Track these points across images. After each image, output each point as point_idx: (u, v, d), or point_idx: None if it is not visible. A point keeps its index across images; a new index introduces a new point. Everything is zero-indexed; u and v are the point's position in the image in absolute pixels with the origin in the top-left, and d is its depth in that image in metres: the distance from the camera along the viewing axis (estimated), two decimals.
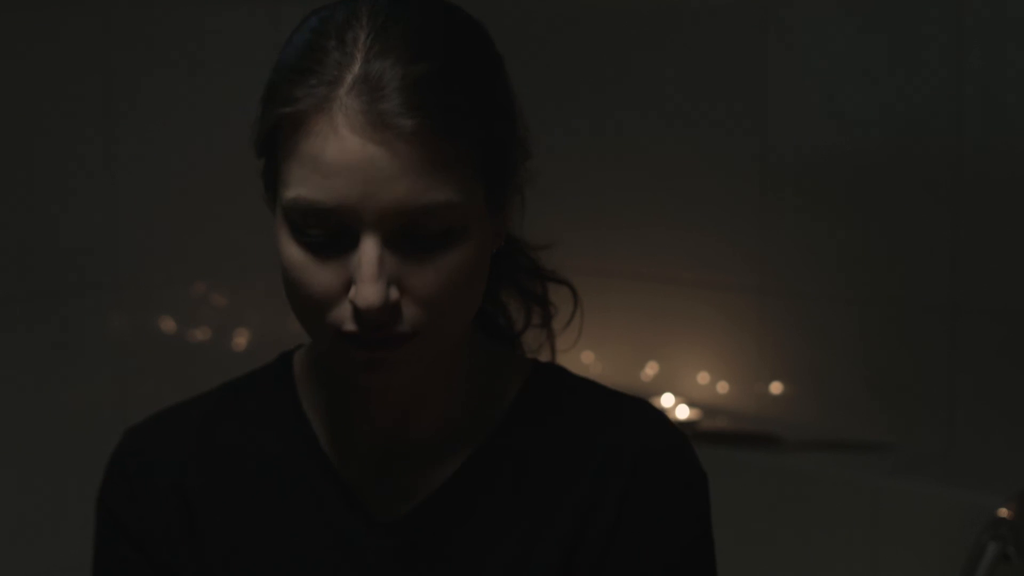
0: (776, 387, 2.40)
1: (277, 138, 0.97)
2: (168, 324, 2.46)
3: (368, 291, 0.93)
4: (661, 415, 1.11)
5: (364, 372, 0.98)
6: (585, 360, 2.57)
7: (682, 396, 2.47)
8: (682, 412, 2.41)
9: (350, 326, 0.95)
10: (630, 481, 1.06)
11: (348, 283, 0.95)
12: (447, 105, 0.94)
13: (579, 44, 2.54)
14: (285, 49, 1.01)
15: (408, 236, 0.95)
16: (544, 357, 1.19)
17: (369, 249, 0.94)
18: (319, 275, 0.96)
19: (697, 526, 1.07)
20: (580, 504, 1.06)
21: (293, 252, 0.97)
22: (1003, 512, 1.68)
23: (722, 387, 2.46)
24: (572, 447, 1.07)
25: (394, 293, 0.94)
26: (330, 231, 0.95)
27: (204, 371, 2.50)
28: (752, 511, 2.23)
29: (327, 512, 1.06)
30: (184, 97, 2.44)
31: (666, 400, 2.45)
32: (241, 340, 2.54)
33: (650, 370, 2.55)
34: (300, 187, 0.95)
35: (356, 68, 0.94)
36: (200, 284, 2.49)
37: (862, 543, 2.12)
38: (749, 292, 2.40)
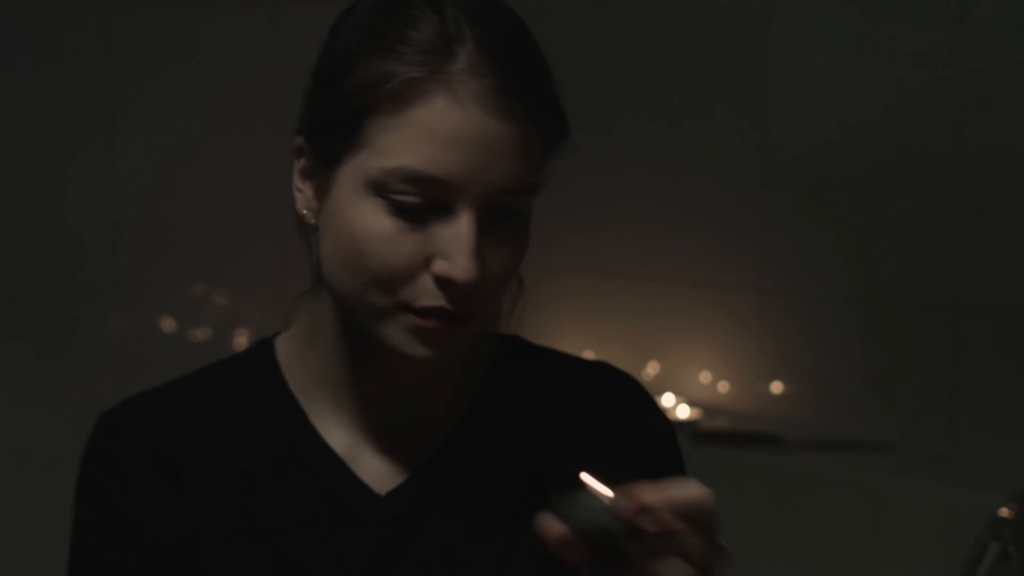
0: (776, 387, 2.40)
1: (365, 105, 0.96)
2: (168, 324, 2.46)
3: (469, 264, 0.95)
4: (625, 373, 1.17)
5: (425, 346, 0.99)
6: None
7: (683, 396, 2.47)
8: (683, 412, 2.41)
9: (429, 300, 0.97)
10: (616, 437, 1.11)
11: (428, 257, 0.96)
12: (547, 89, 1.00)
13: (579, 43, 2.54)
14: (353, 21, 1.01)
15: (497, 215, 0.98)
16: None
17: (471, 223, 0.96)
18: (402, 246, 0.96)
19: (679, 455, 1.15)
20: (572, 460, 1.06)
21: (377, 221, 0.96)
22: (1004, 512, 1.68)
23: (723, 387, 2.46)
24: (555, 409, 1.11)
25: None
26: (425, 201, 0.96)
27: None
28: (752, 511, 2.23)
29: (323, 486, 1.06)
30: (185, 98, 2.44)
31: (667, 400, 2.45)
32: (241, 340, 2.54)
33: (651, 370, 2.55)
34: (406, 156, 0.95)
35: (468, 41, 0.96)
36: (200, 284, 2.49)
37: (862, 543, 2.12)
38: (749, 292, 2.40)
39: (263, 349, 1.12)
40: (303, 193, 1.04)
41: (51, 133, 2.30)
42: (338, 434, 1.08)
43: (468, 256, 0.96)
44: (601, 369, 1.17)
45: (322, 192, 1.01)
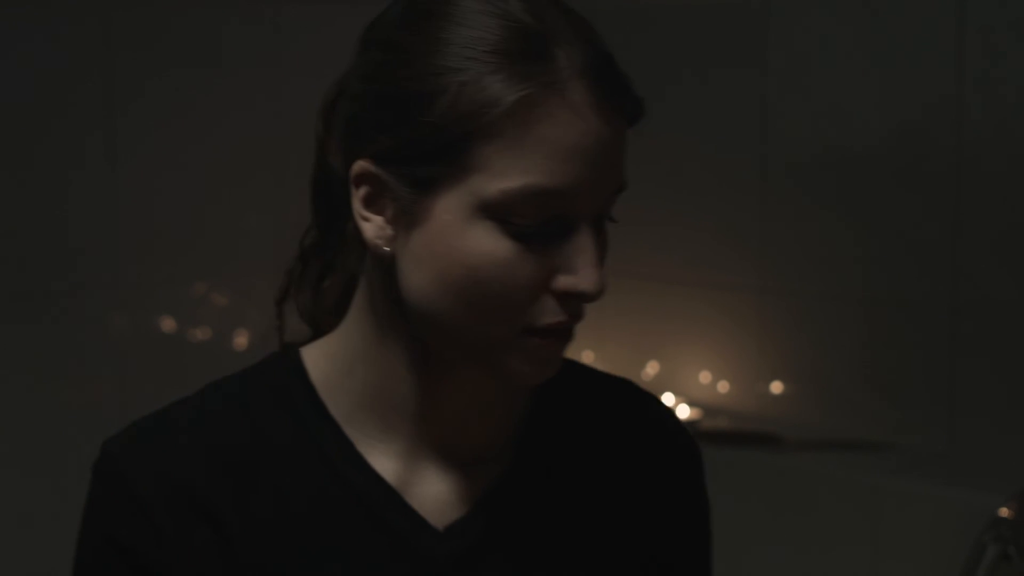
0: (776, 387, 2.40)
1: (473, 128, 0.91)
2: (168, 324, 2.45)
3: (597, 274, 0.93)
4: (651, 395, 1.14)
5: (544, 369, 0.96)
6: (586, 360, 2.57)
7: (683, 396, 2.47)
8: (683, 412, 2.41)
9: (551, 318, 0.94)
10: (660, 492, 1.09)
11: (550, 274, 0.93)
12: (629, 79, 0.97)
13: None
14: (428, 35, 0.93)
15: (599, 221, 0.96)
16: None
17: (591, 233, 0.94)
18: (525, 268, 0.92)
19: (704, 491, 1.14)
20: (623, 488, 1.07)
21: (496, 246, 0.91)
22: (1004, 512, 1.68)
23: (723, 387, 2.46)
24: (598, 436, 1.08)
25: None
26: (545, 218, 0.92)
27: (204, 371, 2.51)
28: (752, 511, 2.23)
29: (376, 519, 0.99)
30: (185, 98, 2.44)
31: (667, 399, 2.45)
32: (241, 340, 2.54)
33: (651, 370, 2.55)
34: (529, 174, 0.90)
35: (576, 50, 0.92)
36: (200, 284, 2.49)
37: (862, 543, 2.12)
38: (749, 292, 2.40)
39: (292, 368, 1.04)
40: (371, 222, 0.96)
41: (51, 133, 2.30)
42: (388, 462, 1.01)
43: (595, 266, 0.93)
44: (631, 390, 1.13)
45: (412, 220, 0.94)
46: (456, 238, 0.92)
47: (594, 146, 0.92)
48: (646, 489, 1.08)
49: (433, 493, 1.02)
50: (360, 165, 0.95)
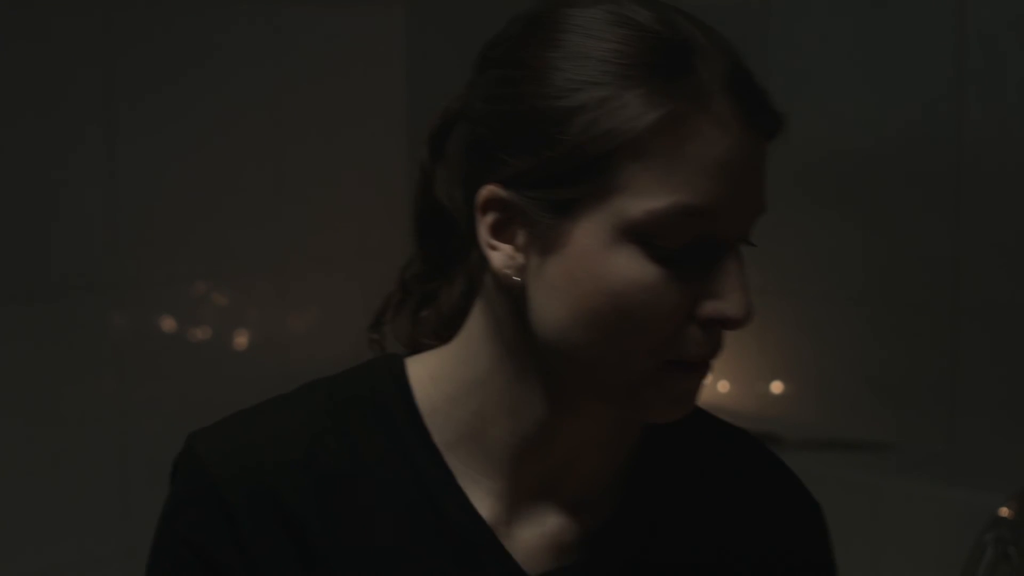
0: (777, 386, 2.40)
1: (617, 147, 0.85)
2: (168, 324, 2.45)
3: (745, 300, 0.88)
4: (765, 447, 1.08)
5: (684, 405, 0.91)
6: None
7: None
8: None
9: (696, 350, 0.88)
10: (775, 521, 1.03)
11: (694, 301, 0.87)
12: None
13: None
14: (562, 48, 0.88)
15: (740, 244, 0.90)
16: None
17: (736, 255, 0.88)
18: (670, 294, 0.86)
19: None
20: (735, 544, 1.01)
21: (641, 271, 0.86)
22: (1004, 511, 1.68)
23: (723, 386, 2.46)
24: (709, 487, 1.02)
25: None
26: (691, 240, 0.86)
27: (204, 371, 2.51)
28: None
29: (470, 560, 0.94)
30: (185, 97, 2.44)
31: None
32: (241, 340, 2.54)
33: None
34: (678, 193, 0.85)
35: (718, 62, 0.88)
36: (200, 284, 2.49)
37: (862, 543, 2.12)
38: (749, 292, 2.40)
39: (396, 385, 0.98)
40: (499, 251, 0.90)
41: (50, 132, 2.30)
42: (487, 499, 0.96)
43: (744, 291, 0.88)
44: (745, 440, 1.07)
45: (547, 247, 0.88)
46: (598, 264, 0.86)
47: (740, 162, 0.87)
48: (762, 548, 1.01)
49: (529, 538, 0.97)
50: (489, 190, 0.90)
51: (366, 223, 2.71)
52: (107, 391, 2.38)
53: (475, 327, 0.96)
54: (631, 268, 0.86)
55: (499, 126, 0.90)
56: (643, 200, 0.85)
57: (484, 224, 0.91)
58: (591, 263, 0.87)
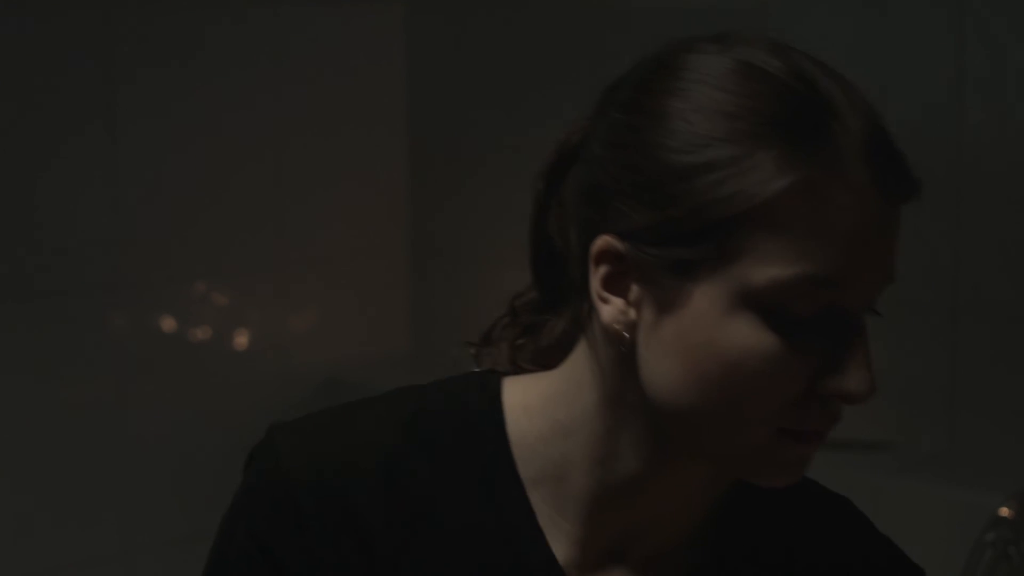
0: None
1: (743, 210, 0.81)
2: (168, 324, 2.45)
3: (869, 377, 0.84)
4: (866, 519, 1.02)
5: (794, 474, 0.87)
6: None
7: None
8: None
9: (812, 422, 0.85)
10: None
11: (814, 372, 0.83)
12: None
13: (578, 44, 2.54)
14: (691, 101, 0.84)
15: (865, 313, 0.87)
16: None
17: (862, 327, 0.84)
18: (789, 365, 0.82)
19: None
20: None
21: (760, 340, 0.82)
22: (1004, 511, 1.68)
23: None
24: (799, 554, 0.97)
25: None
26: (815, 310, 0.82)
27: (204, 371, 2.52)
28: None
29: None
30: (185, 97, 2.44)
31: None
32: (241, 340, 2.54)
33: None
34: (805, 262, 0.81)
35: (856, 123, 0.84)
36: (200, 284, 2.49)
37: None
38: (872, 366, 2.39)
39: (489, 410, 0.94)
40: (611, 304, 0.87)
41: (51, 133, 2.30)
42: (566, 544, 0.92)
43: (868, 367, 0.84)
44: (840, 508, 1.01)
45: (662, 306, 0.85)
46: (715, 329, 0.83)
47: (873, 231, 0.83)
48: None
49: None
50: (604, 241, 0.86)
51: (366, 223, 2.71)
52: (107, 391, 2.38)
53: (577, 370, 0.92)
54: (749, 337, 0.82)
55: (618, 175, 0.86)
56: (767, 268, 0.81)
57: (597, 275, 0.87)
58: (707, 329, 0.83)
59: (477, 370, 1.00)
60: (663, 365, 0.85)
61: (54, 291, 2.32)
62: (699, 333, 0.83)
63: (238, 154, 2.52)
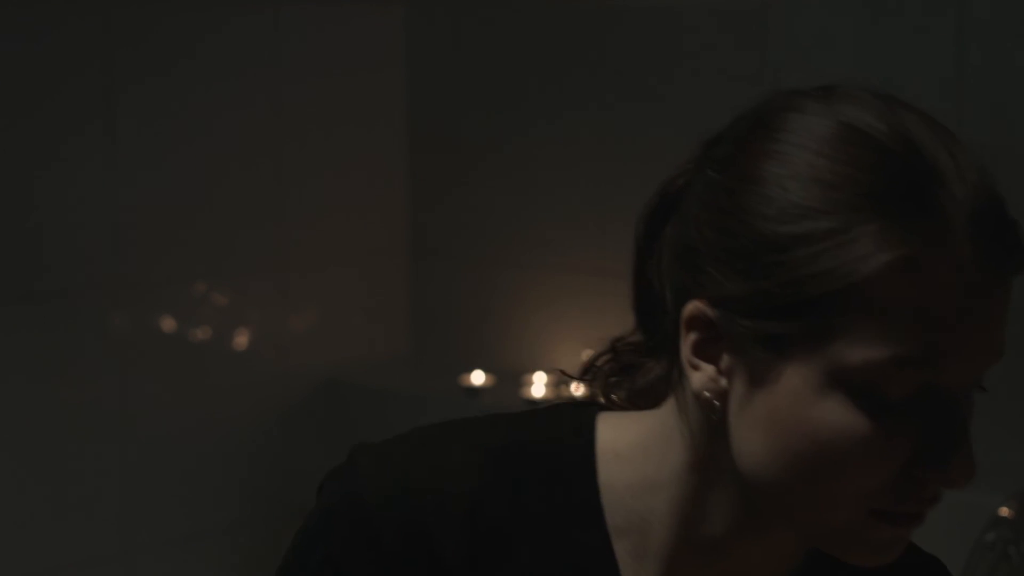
0: None
1: (843, 287, 0.78)
2: (168, 324, 2.45)
3: (971, 464, 0.80)
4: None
5: (885, 553, 0.84)
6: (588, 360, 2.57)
7: None
8: None
9: (907, 505, 0.81)
10: None
11: (910, 454, 0.80)
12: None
13: (579, 45, 2.54)
14: (790, 167, 0.80)
15: (970, 391, 0.83)
16: None
17: (963, 410, 0.80)
18: (883, 448, 0.79)
19: None
20: None
21: (853, 423, 0.78)
22: (1004, 511, 1.68)
23: None
24: None
25: None
26: (916, 392, 0.79)
27: (204, 371, 2.51)
28: None
29: None
30: (185, 97, 2.44)
31: None
32: (241, 340, 2.54)
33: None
34: (901, 343, 0.77)
35: (965, 193, 0.80)
36: (200, 284, 2.49)
37: None
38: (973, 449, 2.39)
39: (583, 455, 0.91)
40: (701, 371, 0.84)
41: (51, 132, 2.30)
42: None
43: (968, 450, 0.80)
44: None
45: (753, 378, 0.82)
46: (805, 408, 0.79)
47: (979, 309, 0.78)
48: None
49: None
50: (695, 307, 0.83)
51: (366, 223, 2.71)
52: (107, 391, 2.38)
53: (668, 425, 0.90)
54: (842, 417, 0.79)
55: (712, 239, 0.83)
56: (863, 348, 0.78)
57: (687, 341, 0.85)
58: (798, 406, 0.80)
59: (571, 401, 0.98)
60: (753, 438, 0.83)
61: (54, 291, 2.32)
62: (790, 411, 0.80)
63: (238, 154, 2.52)
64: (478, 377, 2.51)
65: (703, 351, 0.84)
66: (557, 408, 0.96)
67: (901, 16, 2.18)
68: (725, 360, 0.83)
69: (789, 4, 2.31)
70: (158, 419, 2.42)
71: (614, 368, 0.97)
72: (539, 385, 2.44)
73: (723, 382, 0.84)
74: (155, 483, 2.42)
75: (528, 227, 2.58)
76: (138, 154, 2.39)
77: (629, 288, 0.95)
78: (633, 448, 0.91)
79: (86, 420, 2.35)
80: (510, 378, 2.53)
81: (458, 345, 2.73)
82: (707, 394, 0.84)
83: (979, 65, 2.10)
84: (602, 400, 0.97)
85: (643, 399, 0.95)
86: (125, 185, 2.37)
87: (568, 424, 0.93)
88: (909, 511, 0.82)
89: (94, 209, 2.35)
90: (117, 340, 2.39)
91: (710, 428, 0.86)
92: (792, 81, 2.57)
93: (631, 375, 0.96)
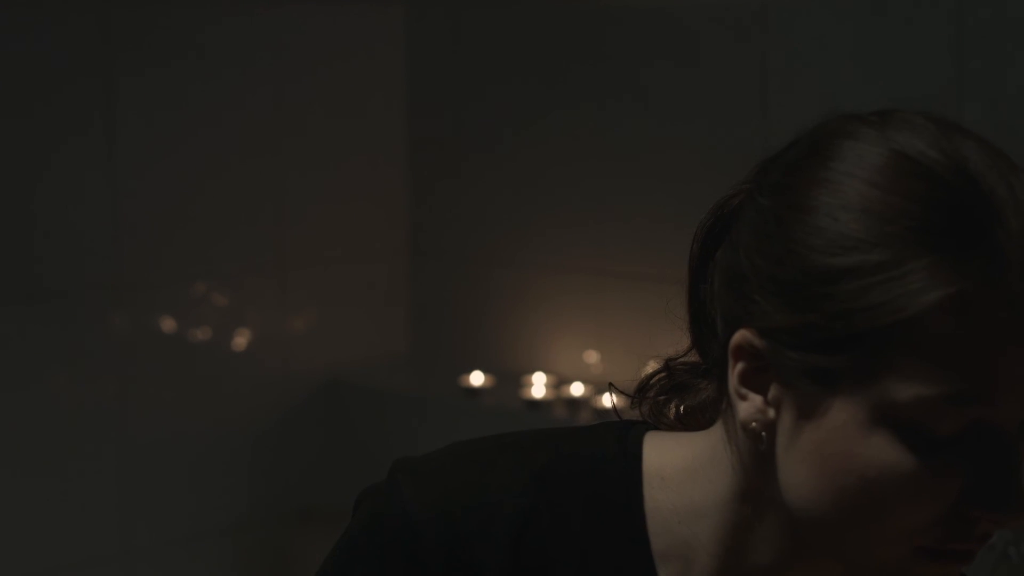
0: None
1: (895, 323, 0.76)
2: (168, 324, 2.46)
3: (1020, 500, 0.77)
4: None
5: None
6: (588, 359, 2.57)
7: None
8: None
9: (956, 543, 0.79)
10: None
11: (960, 491, 0.78)
12: None
13: (578, 45, 2.54)
14: (843, 198, 0.79)
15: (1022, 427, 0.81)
16: None
17: (1014, 446, 0.78)
18: (931, 485, 0.77)
19: None
20: None
21: (900, 460, 0.77)
22: None
23: None
24: None
25: None
26: (965, 429, 0.77)
27: (204, 371, 2.52)
28: None
29: None
30: (185, 97, 2.44)
31: None
32: (241, 340, 2.54)
33: (651, 370, 2.55)
34: (952, 381, 0.76)
35: (1020, 227, 0.76)
36: (200, 284, 2.49)
37: None
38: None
39: (629, 481, 0.90)
40: (748, 401, 0.83)
41: (50, 133, 2.30)
42: None
43: (1018, 489, 0.77)
44: None
45: (800, 411, 0.81)
46: (853, 444, 0.78)
47: None
48: None
49: None
50: (743, 336, 0.82)
51: (366, 224, 2.71)
52: (107, 391, 2.38)
53: (716, 451, 0.88)
54: (890, 455, 0.77)
55: (761, 267, 0.81)
56: (912, 385, 0.76)
57: (735, 370, 0.83)
58: (845, 442, 0.79)
59: (616, 420, 0.97)
60: (799, 471, 0.81)
61: (54, 292, 2.32)
62: (837, 446, 0.79)
63: (238, 154, 2.52)
64: (477, 378, 2.51)
65: (750, 381, 0.83)
66: (603, 426, 0.94)
67: (901, 16, 2.18)
68: (773, 391, 0.82)
69: (789, 4, 2.31)
70: (158, 419, 2.42)
71: (666, 386, 0.96)
72: (538, 385, 2.44)
73: (771, 413, 0.82)
74: (155, 484, 2.42)
75: (528, 227, 2.58)
76: (138, 154, 2.39)
77: (684, 309, 0.94)
78: (680, 472, 0.90)
79: (86, 420, 2.35)
80: (509, 378, 2.53)
81: (458, 346, 2.73)
82: (755, 425, 0.83)
83: (979, 65, 2.10)
84: (650, 420, 0.95)
85: (693, 420, 0.93)
86: (125, 185, 2.38)
87: (614, 444, 0.92)
88: (959, 548, 0.80)
89: (94, 209, 2.35)
90: (117, 340, 2.39)
91: (759, 458, 0.84)
92: (792, 81, 2.59)
93: (682, 394, 0.95)
